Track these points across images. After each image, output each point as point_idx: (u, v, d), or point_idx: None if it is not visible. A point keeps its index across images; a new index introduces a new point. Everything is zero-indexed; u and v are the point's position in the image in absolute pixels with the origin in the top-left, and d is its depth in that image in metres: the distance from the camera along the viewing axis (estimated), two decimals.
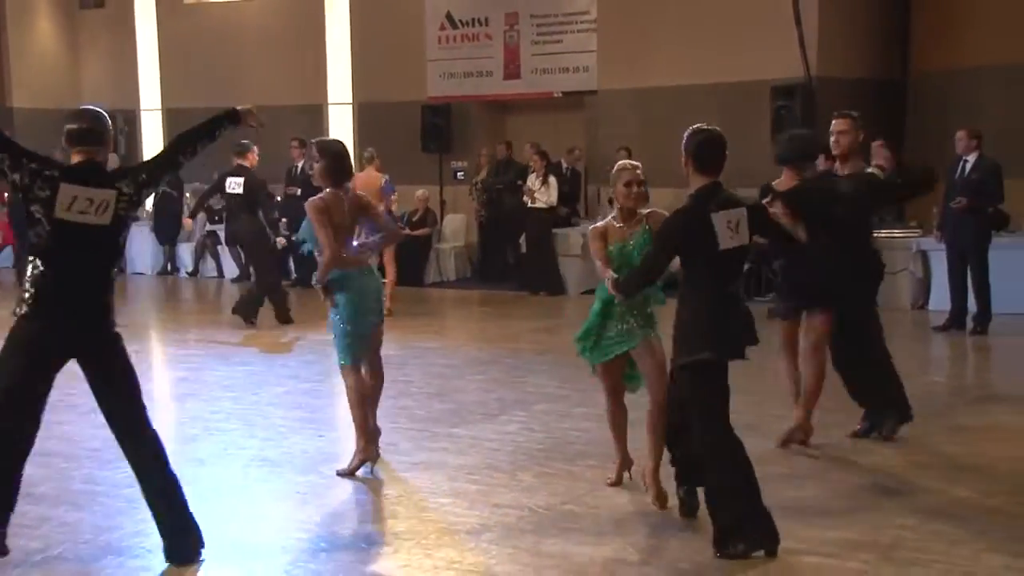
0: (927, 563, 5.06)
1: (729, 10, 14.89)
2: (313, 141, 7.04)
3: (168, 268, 18.10)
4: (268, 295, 12.43)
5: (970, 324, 11.37)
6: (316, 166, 6.75)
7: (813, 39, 14.28)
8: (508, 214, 15.80)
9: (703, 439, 5.28)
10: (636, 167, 5.97)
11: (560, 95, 16.69)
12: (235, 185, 12.44)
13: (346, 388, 6.73)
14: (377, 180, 12.78)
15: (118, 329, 5.16)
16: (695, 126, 5.45)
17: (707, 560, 5.14)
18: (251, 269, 13.18)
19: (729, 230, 5.18)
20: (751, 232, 5.29)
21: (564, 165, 15.81)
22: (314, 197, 6.66)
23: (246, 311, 12.38)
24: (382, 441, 7.32)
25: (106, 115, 5.30)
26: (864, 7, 15.15)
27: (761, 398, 7.96)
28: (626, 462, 6.22)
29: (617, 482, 6.21)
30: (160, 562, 5.23)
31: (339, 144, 6.96)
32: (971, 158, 11.37)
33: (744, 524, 5.09)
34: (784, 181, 6.92)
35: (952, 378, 10.02)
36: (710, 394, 5.26)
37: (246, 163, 12.39)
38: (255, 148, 12.54)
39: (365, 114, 18.29)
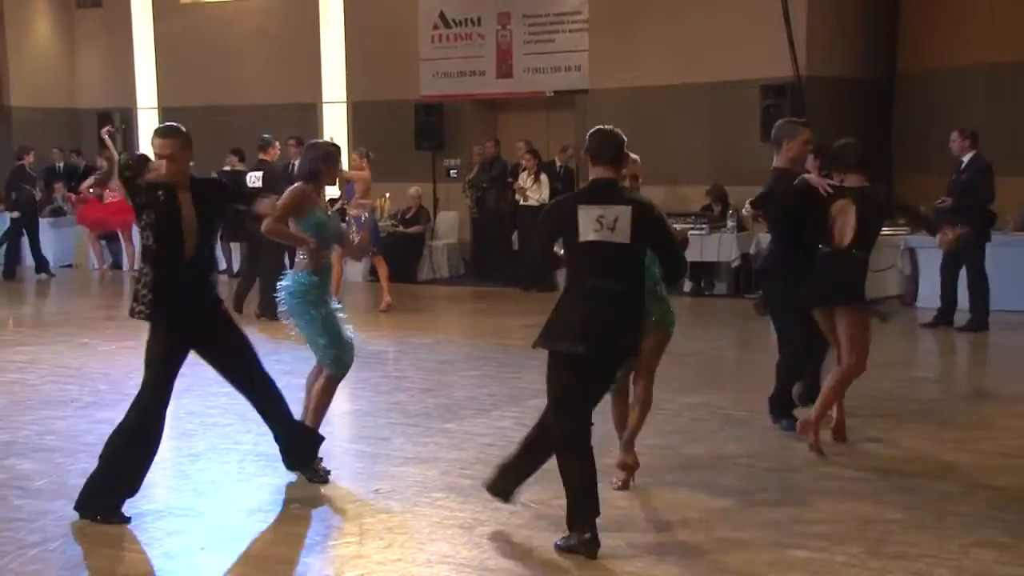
0: (915, 557, 5.05)
1: (719, 10, 14.88)
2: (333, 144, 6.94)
3: None
4: (249, 282, 12.34)
5: (960, 321, 11.34)
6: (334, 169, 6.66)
7: (802, 39, 14.27)
8: (495, 211, 15.79)
9: (552, 427, 5.27)
10: (635, 160, 5.98)
11: (552, 94, 16.66)
12: (255, 179, 12.36)
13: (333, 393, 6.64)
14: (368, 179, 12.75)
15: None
16: (597, 127, 5.39)
17: (698, 556, 5.13)
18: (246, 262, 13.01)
19: (598, 223, 5.14)
20: (636, 233, 5.14)
21: (558, 164, 15.81)
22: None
23: (270, 309, 12.34)
24: (375, 436, 7.33)
25: (172, 131, 5.62)
26: (852, 8, 15.16)
27: (750, 394, 7.96)
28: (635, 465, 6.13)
29: (624, 486, 6.12)
30: (156, 554, 5.21)
31: None
32: (966, 158, 11.29)
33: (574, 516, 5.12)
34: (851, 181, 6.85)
35: (940, 374, 10.02)
36: (557, 384, 5.23)
37: (268, 158, 12.43)
38: (276, 143, 12.62)
39: (359, 112, 18.26)
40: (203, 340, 5.83)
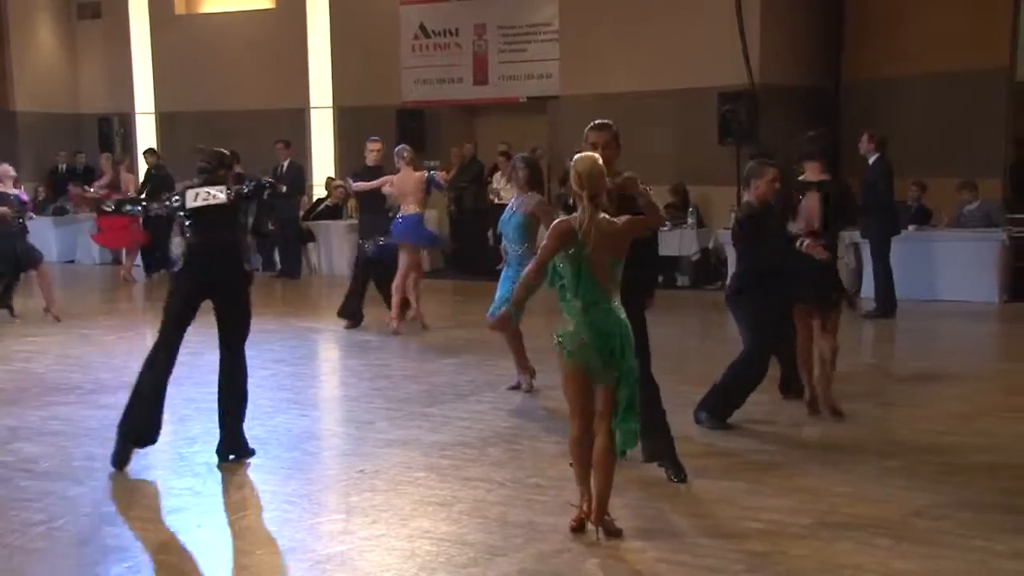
0: (861, 526, 5.10)
1: (680, 22, 14.93)
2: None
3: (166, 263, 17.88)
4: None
5: (870, 306, 11.60)
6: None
7: (756, 50, 14.35)
8: (473, 209, 15.80)
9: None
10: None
11: (525, 100, 16.67)
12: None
13: None
14: (416, 177, 12.11)
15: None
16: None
17: (664, 525, 5.17)
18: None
19: None
20: None
21: None
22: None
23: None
24: (360, 419, 7.32)
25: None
26: (801, 21, 15.21)
27: (710, 379, 7.99)
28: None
29: (579, 527, 5.05)
30: (155, 531, 5.20)
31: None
32: (871, 159, 11.54)
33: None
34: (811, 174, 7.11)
35: (883, 360, 10.09)
36: None
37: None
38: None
39: (345, 117, 18.20)
40: None
